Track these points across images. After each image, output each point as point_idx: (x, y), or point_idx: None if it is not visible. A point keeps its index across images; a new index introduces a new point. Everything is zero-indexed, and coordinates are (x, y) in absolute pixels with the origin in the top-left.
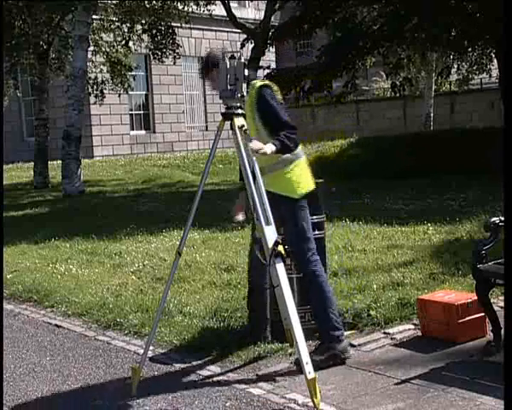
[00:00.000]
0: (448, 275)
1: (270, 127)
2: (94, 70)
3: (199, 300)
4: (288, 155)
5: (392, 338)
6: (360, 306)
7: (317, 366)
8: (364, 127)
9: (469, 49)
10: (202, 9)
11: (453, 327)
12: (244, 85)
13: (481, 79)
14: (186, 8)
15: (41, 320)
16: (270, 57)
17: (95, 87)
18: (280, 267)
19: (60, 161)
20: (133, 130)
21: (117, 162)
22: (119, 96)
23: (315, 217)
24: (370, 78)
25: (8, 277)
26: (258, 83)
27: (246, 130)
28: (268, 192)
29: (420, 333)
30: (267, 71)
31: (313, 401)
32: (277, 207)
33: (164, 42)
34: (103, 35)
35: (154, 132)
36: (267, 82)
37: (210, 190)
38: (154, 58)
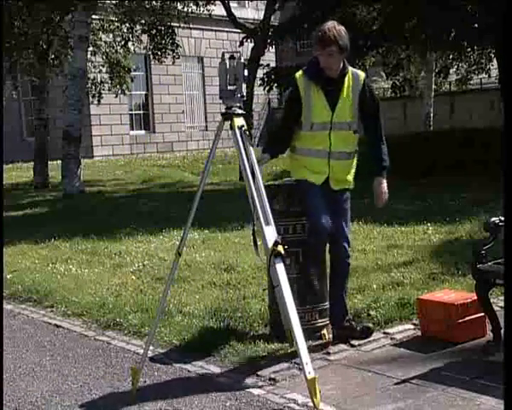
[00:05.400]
0: (448, 275)
1: (362, 118)
2: (93, 70)
3: (199, 300)
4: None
5: (392, 338)
6: (360, 306)
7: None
8: None
9: (469, 50)
10: (202, 9)
11: (453, 327)
12: (244, 85)
13: (481, 78)
14: (186, 9)
15: (41, 320)
16: (270, 57)
17: (93, 88)
18: (280, 267)
19: (60, 161)
20: (133, 130)
21: (117, 162)
22: (116, 96)
23: None
24: (370, 78)
25: (8, 277)
26: (361, 72)
27: (246, 130)
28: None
29: (420, 333)
30: (266, 70)
31: (313, 401)
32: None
33: (163, 42)
34: (103, 36)
35: (154, 132)
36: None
37: (210, 190)
38: (154, 58)
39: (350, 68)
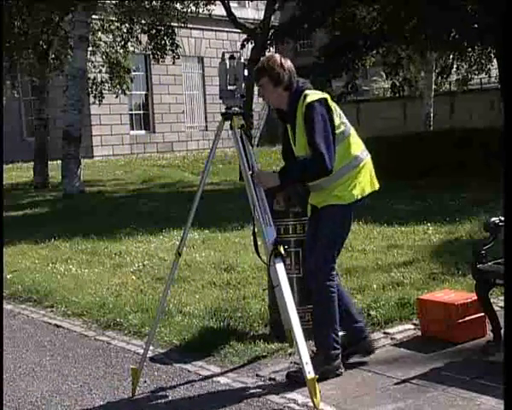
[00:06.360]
0: (448, 275)
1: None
2: (93, 70)
3: (199, 300)
4: (326, 178)
5: (392, 338)
6: (360, 306)
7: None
8: (364, 127)
9: (469, 50)
10: (202, 9)
11: (453, 327)
12: (243, 85)
13: (481, 79)
14: (185, 9)
15: (41, 320)
16: None
17: (94, 87)
18: (280, 267)
19: (60, 161)
20: (133, 130)
21: (117, 162)
22: (117, 96)
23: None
24: (370, 78)
25: (8, 277)
26: (314, 96)
27: (246, 130)
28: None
29: (420, 333)
30: None
31: (313, 401)
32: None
33: (163, 42)
34: (102, 36)
35: (154, 132)
36: (325, 96)
37: (210, 190)
38: (154, 58)
39: (305, 94)
